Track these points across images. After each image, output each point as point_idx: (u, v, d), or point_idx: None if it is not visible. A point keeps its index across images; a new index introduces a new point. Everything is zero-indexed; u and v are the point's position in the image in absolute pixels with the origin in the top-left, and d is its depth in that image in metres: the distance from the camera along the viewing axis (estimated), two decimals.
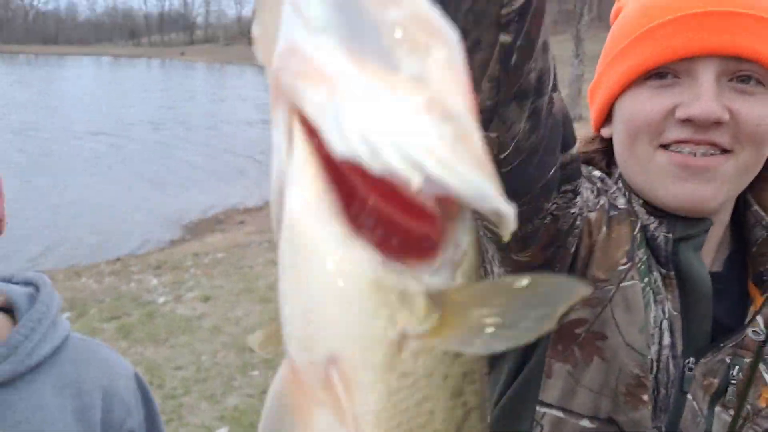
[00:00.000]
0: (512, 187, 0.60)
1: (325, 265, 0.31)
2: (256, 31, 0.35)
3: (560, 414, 0.80)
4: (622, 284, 0.77)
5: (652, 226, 0.80)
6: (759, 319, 0.81)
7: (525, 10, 0.52)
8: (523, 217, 0.63)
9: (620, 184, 0.83)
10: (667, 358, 0.79)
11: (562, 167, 0.65)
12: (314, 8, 0.30)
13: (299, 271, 0.32)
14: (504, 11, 0.51)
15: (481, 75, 0.53)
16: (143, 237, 8.17)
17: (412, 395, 0.33)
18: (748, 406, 0.80)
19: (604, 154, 0.87)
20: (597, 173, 0.84)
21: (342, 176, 0.30)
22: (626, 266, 0.77)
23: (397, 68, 0.30)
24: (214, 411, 3.54)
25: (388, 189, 0.30)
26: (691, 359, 0.79)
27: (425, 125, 0.29)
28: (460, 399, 0.34)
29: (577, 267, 0.77)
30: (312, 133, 0.30)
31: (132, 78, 42.92)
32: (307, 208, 0.31)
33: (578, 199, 0.69)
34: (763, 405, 0.80)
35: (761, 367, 0.80)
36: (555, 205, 0.67)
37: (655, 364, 0.79)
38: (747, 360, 0.80)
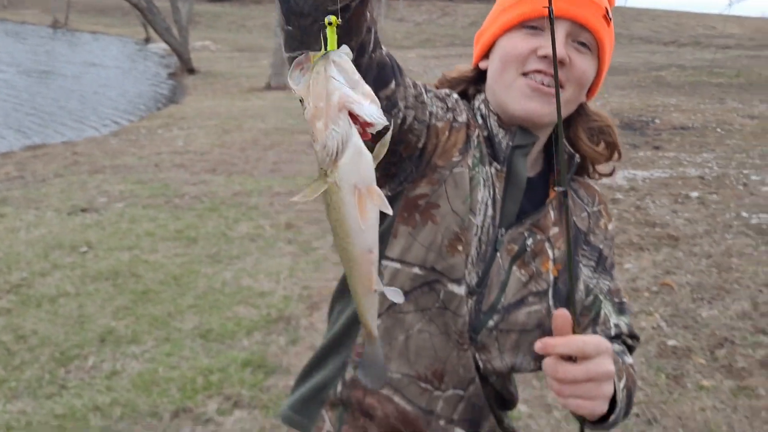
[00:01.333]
0: None
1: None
2: (300, 88, 0.72)
3: (398, 265, 1.09)
4: (454, 170, 1.10)
5: (499, 135, 1.14)
6: (550, 207, 1.18)
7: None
8: None
9: (482, 106, 1.17)
10: (489, 225, 1.12)
11: (386, 99, 0.93)
12: (346, 77, 0.72)
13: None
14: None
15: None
16: None
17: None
18: (534, 268, 1.14)
19: (475, 82, 1.22)
20: (454, 97, 1.17)
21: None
22: (459, 159, 1.11)
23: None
24: None
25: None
26: (503, 229, 1.14)
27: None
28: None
29: (425, 157, 1.09)
30: (354, 117, 0.72)
31: None
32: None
33: (405, 113, 1.00)
34: (544, 270, 1.15)
35: (546, 243, 1.16)
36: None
37: (480, 229, 1.10)
38: (539, 237, 1.16)
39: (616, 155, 1.23)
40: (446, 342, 1.10)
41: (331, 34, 0.73)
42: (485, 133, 1.15)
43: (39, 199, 6.66)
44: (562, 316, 0.95)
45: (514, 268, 1.13)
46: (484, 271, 1.11)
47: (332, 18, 0.72)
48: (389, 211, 0.73)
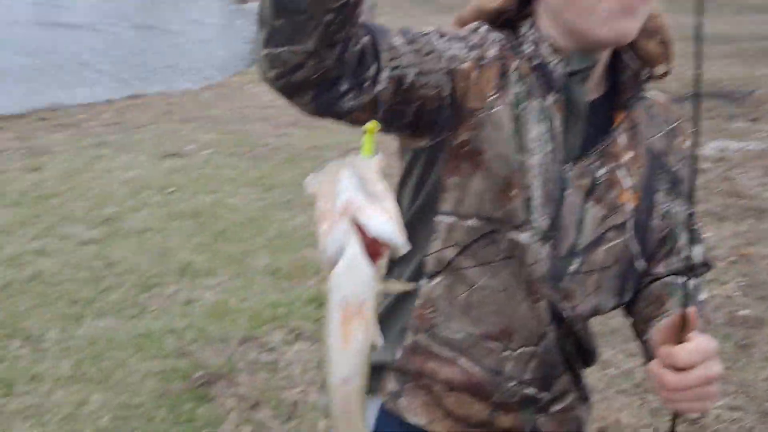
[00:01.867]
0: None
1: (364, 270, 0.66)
2: (313, 186, 0.68)
3: (452, 219, 1.02)
4: (492, 111, 1.01)
5: (553, 62, 1.03)
6: (620, 131, 1.07)
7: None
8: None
9: (531, 33, 1.05)
10: (550, 163, 1.02)
11: (370, 78, 0.88)
12: (362, 184, 0.65)
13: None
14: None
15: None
16: None
17: None
18: (609, 201, 1.05)
19: (518, 11, 1.09)
20: (480, 32, 1.06)
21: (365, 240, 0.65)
22: (495, 97, 1.01)
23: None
24: None
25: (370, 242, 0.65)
26: (569, 164, 1.04)
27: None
28: None
29: (457, 102, 1.00)
30: (358, 227, 0.64)
31: None
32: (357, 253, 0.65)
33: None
34: (621, 201, 1.06)
35: (618, 172, 1.06)
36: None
37: (539, 169, 1.02)
38: (610, 166, 1.06)
39: (670, 55, 1.09)
40: (513, 295, 1.02)
41: (368, 141, 0.69)
42: (536, 62, 1.03)
43: (133, 144, 7.09)
44: (682, 317, 0.88)
45: (589, 204, 1.04)
46: (555, 213, 1.02)
47: (371, 125, 0.68)
48: (379, 342, 0.66)
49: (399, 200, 1.10)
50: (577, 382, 1.14)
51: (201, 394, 2.87)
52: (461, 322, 1.04)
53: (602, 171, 1.05)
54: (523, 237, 1.00)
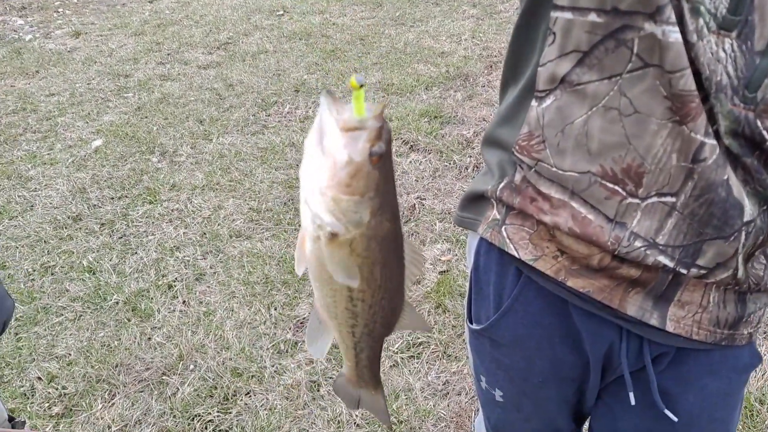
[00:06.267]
0: None
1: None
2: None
3: (570, 15, 0.76)
4: None
5: None
6: None
7: None
8: None
9: None
10: None
11: None
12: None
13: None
14: None
15: None
16: None
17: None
18: None
19: None
20: None
21: None
22: None
23: None
24: (90, 127, 3.84)
25: None
26: None
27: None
28: None
29: None
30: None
31: None
32: None
33: None
34: None
35: None
36: None
37: None
38: None
39: None
40: (648, 120, 0.72)
41: (359, 99, 0.57)
42: None
43: None
44: None
45: None
46: None
47: (354, 81, 0.56)
48: None
49: None
50: (748, 264, 0.79)
51: None
52: (575, 156, 0.78)
53: None
54: (668, 30, 0.68)
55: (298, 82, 4.27)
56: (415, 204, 2.91)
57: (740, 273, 0.77)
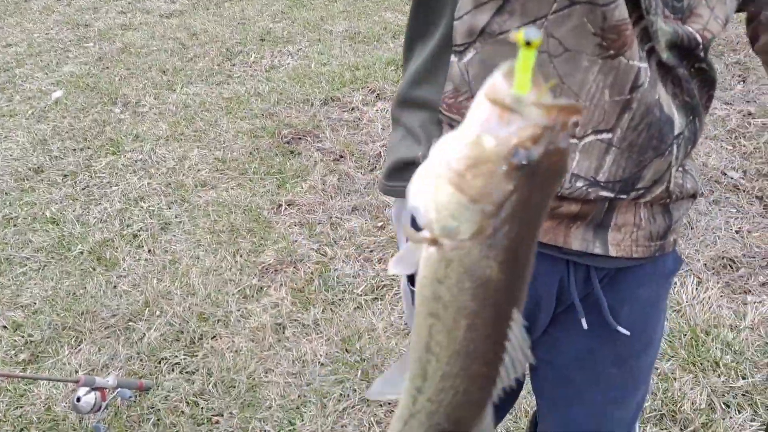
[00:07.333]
0: None
1: None
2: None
3: None
4: None
5: None
6: None
7: None
8: None
9: None
10: None
11: None
12: None
13: None
14: None
15: None
16: None
17: None
18: None
19: None
20: None
21: None
22: None
23: None
24: (49, 78, 3.80)
25: None
26: None
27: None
28: None
29: None
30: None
31: None
32: None
33: None
34: None
35: None
36: None
37: None
38: None
39: None
40: (579, 57, 0.71)
41: (526, 61, 0.39)
42: None
43: None
44: None
45: None
46: None
47: (523, 36, 0.38)
48: None
49: None
50: (677, 167, 0.81)
51: (289, 149, 3.02)
52: None
53: None
54: None
55: (263, 31, 4.20)
56: (380, 152, 2.92)
57: (672, 185, 0.81)
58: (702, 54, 0.76)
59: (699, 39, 0.74)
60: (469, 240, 0.42)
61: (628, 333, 0.89)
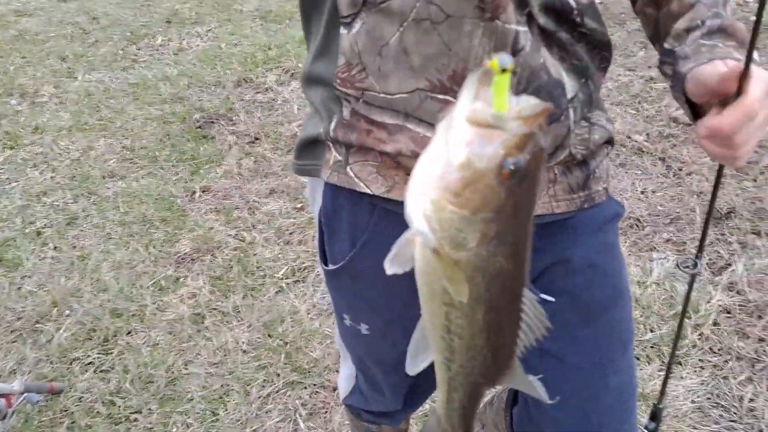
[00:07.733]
0: None
1: None
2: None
3: None
4: None
5: None
6: None
7: None
8: None
9: None
10: None
11: None
12: None
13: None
14: None
15: None
16: None
17: None
18: None
19: None
20: None
21: None
22: None
23: None
24: None
25: None
26: None
27: None
28: None
29: None
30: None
31: None
32: None
33: None
34: None
35: None
36: None
37: None
38: None
39: None
40: (461, 22, 0.72)
41: (501, 85, 0.44)
42: None
43: None
44: (734, 72, 0.67)
45: None
46: None
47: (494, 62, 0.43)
48: None
49: None
50: (585, 125, 0.82)
51: (201, 134, 2.93)
52: (398, 76, 0.74)
53: None
54: None
55: (170, 13, 4.03)
56: (296, 133, 2.87)
57: (574, 149, 0.81)
58: (579, 19, 0.76)
59: (573, 3, 0.74)
60: (477, 246, 0.47)
61: (552, 299, 0.89)
